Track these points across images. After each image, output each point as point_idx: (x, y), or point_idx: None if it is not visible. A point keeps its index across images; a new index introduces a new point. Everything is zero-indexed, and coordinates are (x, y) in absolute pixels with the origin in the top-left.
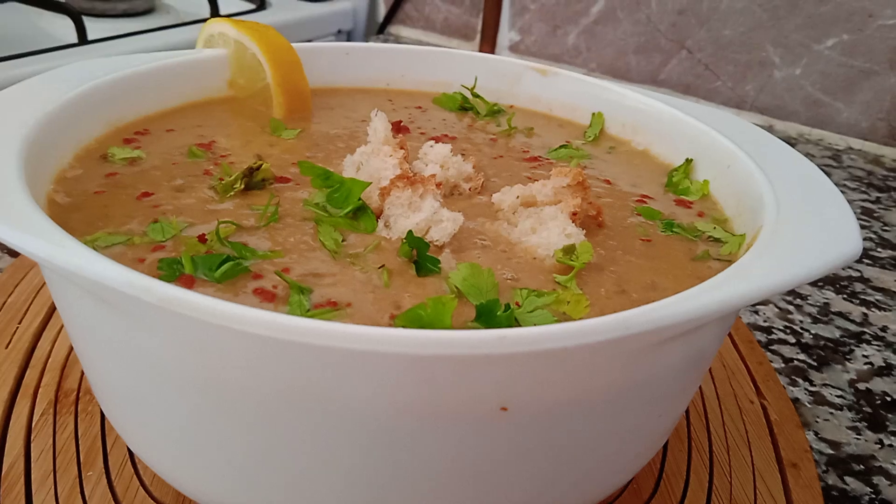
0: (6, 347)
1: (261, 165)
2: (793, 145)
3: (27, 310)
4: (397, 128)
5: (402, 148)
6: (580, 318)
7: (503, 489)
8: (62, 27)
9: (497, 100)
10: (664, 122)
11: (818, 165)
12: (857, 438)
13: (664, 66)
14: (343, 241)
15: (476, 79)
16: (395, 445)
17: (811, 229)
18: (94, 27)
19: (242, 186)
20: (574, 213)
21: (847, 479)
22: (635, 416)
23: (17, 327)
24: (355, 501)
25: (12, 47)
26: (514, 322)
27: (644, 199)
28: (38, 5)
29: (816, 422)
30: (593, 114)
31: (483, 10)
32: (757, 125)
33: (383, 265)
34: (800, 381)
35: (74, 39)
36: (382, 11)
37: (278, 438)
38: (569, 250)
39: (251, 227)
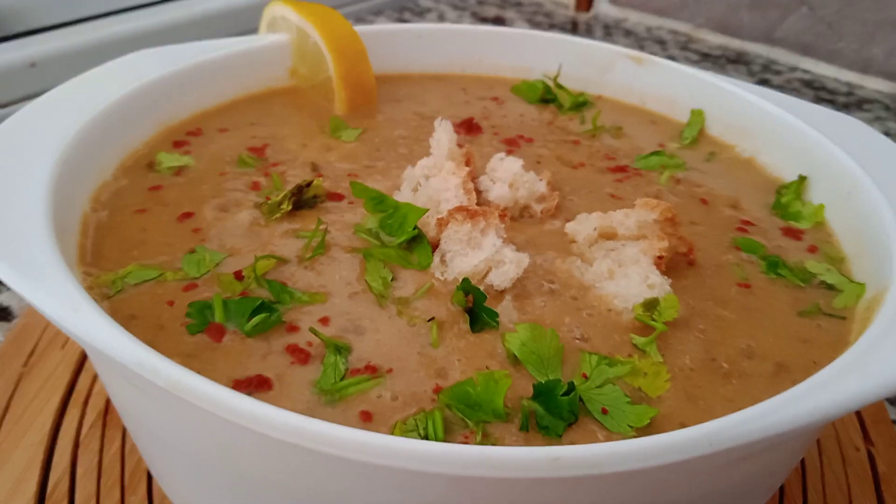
0: (62, 348)
1: (311, 182)
2: None
3: None
4: (468, 127)
5: (467, 163)
6: (657, 396)
7: None
8: None
9: (584, 88)
10: (776, 128)
11: None
12: None
13: (781, 23)
14: (392, 279)
15: (560, 67)
16: None
17: None
18: None
19: (290, 207)
20: (660, 258)
21: None
22: None
23: None
24: None
25: None
26: (577, 405)
27: (745, 227)
28: None
29: None
30: (692, 111)
31: None
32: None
33: (433, 318)
34: None
35: None
36: None
37: None
38: (650, 305)
39: (294, 259)
